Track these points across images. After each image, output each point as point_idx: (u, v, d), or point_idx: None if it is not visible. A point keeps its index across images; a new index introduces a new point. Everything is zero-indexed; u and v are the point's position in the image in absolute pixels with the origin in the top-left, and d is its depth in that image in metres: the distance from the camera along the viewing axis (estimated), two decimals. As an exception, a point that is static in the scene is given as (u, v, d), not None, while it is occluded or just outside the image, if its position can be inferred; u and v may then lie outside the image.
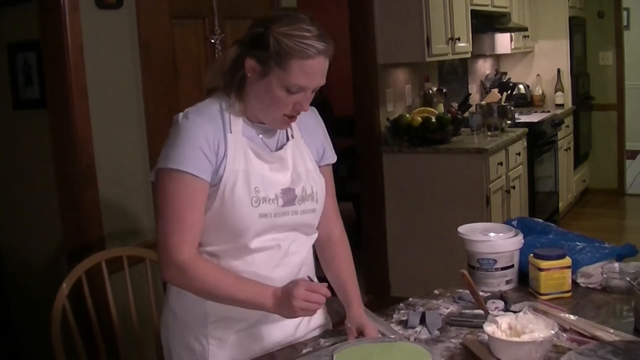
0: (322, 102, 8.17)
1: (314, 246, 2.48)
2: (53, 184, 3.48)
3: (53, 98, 3.42)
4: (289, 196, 2.27)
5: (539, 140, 6.98)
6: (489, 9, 7.08)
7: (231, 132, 2.21)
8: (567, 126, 8.25)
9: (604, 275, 2.62)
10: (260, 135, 2.29)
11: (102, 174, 3.44)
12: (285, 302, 2.11)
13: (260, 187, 2.21)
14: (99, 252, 3.17)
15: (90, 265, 2.98)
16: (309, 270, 2.42)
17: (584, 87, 9.03)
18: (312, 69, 2.12)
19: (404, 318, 2.46)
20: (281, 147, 2.33)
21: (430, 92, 6.60)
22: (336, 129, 7.76)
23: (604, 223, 8.13)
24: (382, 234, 6.04)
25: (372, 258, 6.12)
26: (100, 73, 3.45)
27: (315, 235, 2.44)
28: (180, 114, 2.22)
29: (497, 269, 2.67)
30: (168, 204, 2.16)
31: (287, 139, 2.35)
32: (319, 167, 2.44)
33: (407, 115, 5.96)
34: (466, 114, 6.60)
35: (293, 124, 2.35)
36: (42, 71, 3.47)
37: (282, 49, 2.11)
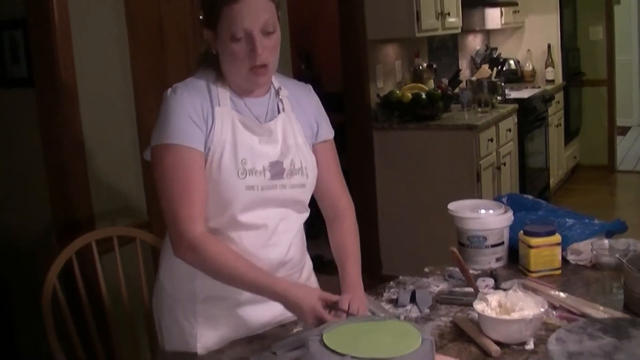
0: (311, 78, 8.14)
1: (316, 224, 2.47)
2: (41, 162, 3.47)
3: (40, 76, 3.40)
4: (276, 169, 2.26)
5: (530, 116, 6.98)
6: (479, -17, 7.06)
7: (219, 105, 2.23)
8: (558, 102, 8.25)
9: (594, 252, 2.62)
10: (250, 108, 2.29)
11: (91, 152, 3.43)
12: (298, 307, 2.10)
13: (248, 158, 2.21)
14: (89, 231, 3.15)
15: (81, 245, 2.96)
16: (297, 250, 2.41)
17: (574, 62, 9.03)
18: (243, 11, 2.13)
19: (394, 296, 2.46)
20: (271, 120, 2.31)
21: (420, 67, 6.58)
22: (325, 104, 7.78)
23: (594, 199, 8.15)
24: (372, 211, 6.03)
25: (362, 236, 5.97)
26: (88, 50, 3.43)
27: (307, 214, 2.43)
28: (169, 90, 2.24)
29: (487, 246, 2.67)
30: (169, 179, 2.16)
31: (278, 112, 2.34)
32: (317, 143, 2.43)
33: (397, 92, 5.94)
34: (456, 90, 6.59)
35: (284, 99, 2.36)
36: (29, 49, 3.45)
37: (213, 4, 2.17)
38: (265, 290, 2.13)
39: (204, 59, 2.34)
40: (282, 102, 2.36)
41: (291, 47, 5.12)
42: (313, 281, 2.56)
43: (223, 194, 2.19)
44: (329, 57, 8.41)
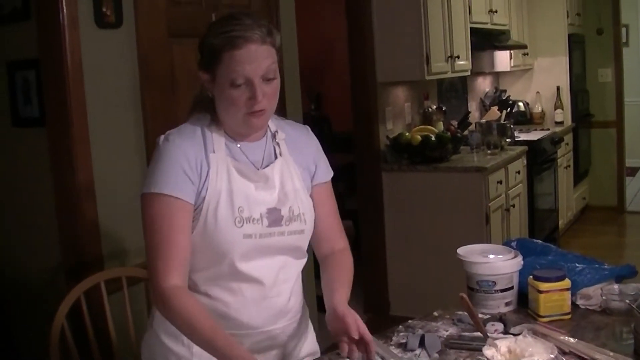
0: (320, 118, 8.18)
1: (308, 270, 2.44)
2: (52, 202, 3.47)
3: (52, 116, 3.42)
4: (274, 216, 2.23)
5: (539, 158, 6.98)
6: (488, 26, 7.09)
7: (214, 152, 2.21)
8: (567, 144, 8.26)
9: (604, 297, 2.61)
10: (245, 153, 2.28)
11: (101, 192, 3.43)
12: None
13: (245, 206, 2.18)
14: (97, 271, 3.16)
15: (89, 285, 2.97)
16: (298, 299, 2.39)
17: (583, 104, 9.05)
18: (243, 58, 2.12)
19: (403, 340, 2.45)
20: (267, 166, 2.30)
21: (430, 110, 6.60)
22: (334, 145, 7.81)
23: (603, 241, 8.13)
24: (381, 252, 6.03)
25: (371, 276, 6.11)
26: (100, 92, 3.45)
27: (305, 260, 2.41)
28: (162, 137, 2.23)
29: (496, 291, 2.66)
30: (153, 228, 2.15)
31: (275, 157, 2.33)
32: (314, 185, 2.41)
33: (407, 134, 5.96)
34: (466, 132, 6.60)
35: (281, 142, 2.35)
36: (41, 89, 3.47)
37: (213, 48, 2.15)
38: (221, 354, 2.05)
39: (199, 101, 2.33)
40: (279, 146, 2.35)
41: (301, 88, 5.15)
42: (310, 329, 2.53)
43: (220, 243, 2.16)
44: (338, 97, 8.46)
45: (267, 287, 2.26)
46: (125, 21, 3.56)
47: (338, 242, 2.49)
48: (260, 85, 2.15)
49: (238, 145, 2.27)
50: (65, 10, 3.28)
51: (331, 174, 2.49)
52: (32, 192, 3.63)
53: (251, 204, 2.20)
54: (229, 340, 2.08)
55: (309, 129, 2.50)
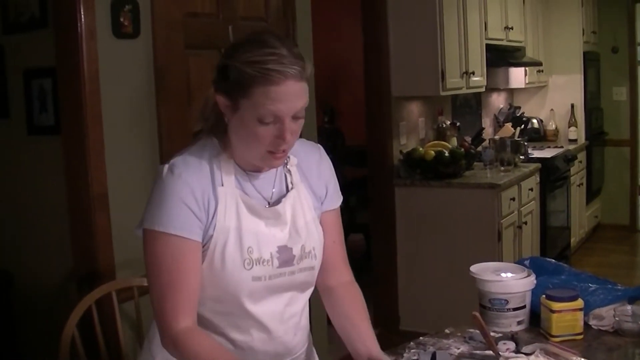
0: (334, 132, 8.19)
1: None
2: (65, 210, 3.48)
3: (67, 125, 3.42)
4: (285, 256, 2.12)
5: (552, 175, 6.98)
6: (504, 43, 7.10)
7: (222, 185, 2.06)
8: (580, 161, 8.25)
9: (616, 318, 2.60)
10: (255, 186, 2.14)
11: (115, 202, 3.43)
12: None
13: (254, 246, 2.06)
14: (109, 280, 3.16)
15: (101, 294, 2.97)
16: (304, 334, 2.32)
17: (597, 122, 9.04)
18: (279, 95, 1.92)
19: (415, 357, 2.44)
20: (279, 200, 2.17)
21: (444, 125, 6.60)
22: (347, 158, 7.82)
23: (615, 259, 8.10)
24: (392, 266, 6.02)
25: (381, 290, 6.10)
26: (115, 101, 3.45)
27: (311, 290, 2.29)
28: (166, 167, 2.07)
29: (508, 310, 2.65)
30: (158, 268, 2.02)
31: (287, 188, 2.20)
32: (322, 212, 2.30)
33: (420, 149, 5.96)
34: (479, 148, 6.60)
35: (292, 168, 2.22)
36: (57, 98, 3.48)
37: (243, 78, 1.94)
38: None
39: (205, 121, 2.16)
40: (290, 174, 2.22)
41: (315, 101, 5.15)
42: (315, 357, 2.46)
43: (228, 285, 2.05)
44: (351, 111, 8.49)
45: (272, 331, 2.17)
46: (143, 32, 3.58)
47: (343, 274, 2.37)
48: (289, 125, 1.98)
49: (248, 176, 2.13)
50: (83, 19, 3.29)
51: (340, 199, 2.37)
52: (46, 200, 3.64)
53: (261, 243, 2.08)
54: None
55: (322, 148, 2.36)
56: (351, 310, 2.30)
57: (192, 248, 2.02)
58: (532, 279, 2.71)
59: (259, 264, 2.07)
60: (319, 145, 2.36)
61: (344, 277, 2.37)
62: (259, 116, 1.95)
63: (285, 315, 2.19)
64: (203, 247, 2.05)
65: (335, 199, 2.34)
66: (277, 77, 1.92)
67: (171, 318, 1.99)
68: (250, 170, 2.13)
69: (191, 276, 2.01)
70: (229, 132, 2.08)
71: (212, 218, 2.04)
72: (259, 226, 2.09)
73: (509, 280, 2.69)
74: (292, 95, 1.95)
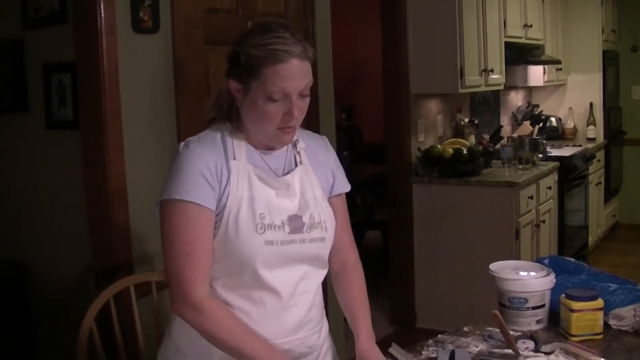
0: (351, 128, 8.19)
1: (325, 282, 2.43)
2: (83, 204, 3.48)
3: (86, 120, 3.42)
4: (296, 223, 2.23)
5: (570, 174, 6.95)
6: (523, 40, 7.08)
7: (235, 159, 2.20)
8: (599, 160, 8.22)
9: (636, 318, 2.59)
10: (266, 161, 2.28)
11: (133, 196, 3.43)
12: None
13: (266, 213, 2.18)
14: (127, 274, 3.17)
15: (119, 289, 2.97)
16: (318, 310, 2.38)
17: (615, 121, 9.00)
18: (287, 72, 2.11)
19: (433, 355, 2.44)
20: (288, 173, 2.30)
21: (462, 123, 6.58)
22: (365, 155, 7.83)
23: (633, 259, 8.05)
24: (409, 264, 6.01)
25: (398, 288, 6.09)
26: (134, 96, 3.45)
27: (326, 271, 2.40)
28: (182, 143, 2.23)
29: (528, 308, 2.64)
30: (176, 237, 2.14)
31: (296, 165, 2.33)
32: (331, 197, 2.41)
33: (439, 146, 5.94)
34: (497, 146, 6.58)
35: (301, 151, 2.35)
36: (76, 93, 3.48)
37: (252, 60, 2.12)
38: (260, 357, 2.10)
39: (217, 110, 2.32)
40: (299, 155, 2.35)
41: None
42: (329, 344, 2.51)
43: (242, 250, 2.15)
44: (369, 108, 8.49)
45: (284, 298, 2.24)
46: (162, 27, 3.57)
47: (349, 255, 2.50)
48: (296, 101, 2.15)
49: (259, 153, 2.27)
50: (102, 14, 3.29)
51: (348, 187, 2.50)
52: (64, 195, 3.64)
53: (272, 210, 2.19)
54: (267, 343, 2.15)
55: (327, 139, 2.51)
56: (350, 295, 2.47)
57: (207, 216, 2.14)
58: (552, 278, 2.70)
59: (271, 228, 2.17)
60: (324, 136, 2.52)
61: (350, 258, 2.51)
62: (268, 94, 2.12)
63: (299, 289, 2.28)
64: (217, 215, 2.16)
65: (343, 184, 2.48)
66: (283, 56, 2.10)
67: (192, 285, 2.11)
68: (261, 149, 2.28)
69: (207, 245, 2.15)
70: (241, 115, 2.24)
71: (225, 188, 2.17)
72: (270, 196, 2.21)
73: (528, 279, 2.68)
74: (298, 73, 2.13)
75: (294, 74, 2.12)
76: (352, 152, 7.48)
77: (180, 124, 3.66)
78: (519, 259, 5.46)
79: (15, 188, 3.89)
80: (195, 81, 3.72)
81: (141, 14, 3.46)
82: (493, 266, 2.79)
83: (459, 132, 6.55)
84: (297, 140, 2.36)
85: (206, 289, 2.14)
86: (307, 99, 2.20)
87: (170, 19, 3.62)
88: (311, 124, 4.54)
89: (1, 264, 3.91)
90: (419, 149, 6.02)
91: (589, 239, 7.85)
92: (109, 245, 3.40)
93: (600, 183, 8.31)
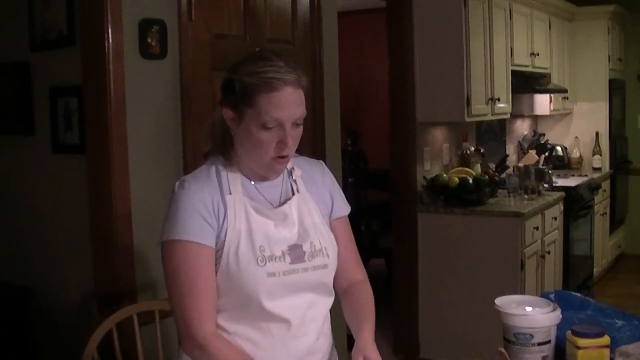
0: (357, 154, 8.18)
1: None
2: (87, 230, 3.47)
3: (92, 144, 3.42)
4: (296, 253, 2.22)
5: (576, 204, 6.92)
6: (529, 69, 7.08)
7: (230, 193, 2.21)
8: (604, 190, 8.19)
9: (644, 356, 2.56)
10: (262, 193, 2.28)
11: (138, 223, 3.42)
12: None
13: (265, 245, 2.18)
14: (130, 302, 3.16)
15: (122, 317, 2.96)
16: (326, 339, 2.37)
17: (621, 150, 8.97)
18: (281, 100, 2.11)
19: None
20: (284, 202, 2.30)
21: (468, 151, 6.56)
22: (370, 181, 7.81)
23: (638, 290, 8.00)
24: (413, 292, 5.98)
25: (402, 316, 6.07)
26: (141, 121, 3.45)
27: (332, 298, 2.39)
28: (177, 183, 2.24)
29: (533, 344, 2.61)
30: (178, 277, 2.14)
31: (293, 194, 2.33)
32: (331, 220, 2.41)
33: (444, 175, 5.93)
34: (503, 175, 6.56)
35: (298, 179, 2.36)
36: (83, 117, 3.48)
37: (247, 88, 2.13)
38: None
39: (213, 138, 2.32)
40: (295, 183, 2.36)
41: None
42: None
43: (245, 284, 2.15)
44: (375, 134, 8.49)
45: (294, 326, 2.24)
46: (170, 52, 3.58)
47: (356, 274, 2.49)
48: (290, 130, 2.16)
49: (254, 185, 2.28)
50: (110, 39, 3.30)
51: (348, 209, 2.50)
52: (69, 219, 3.64)
53: (272, 242, 2.19)
54: None
55: (323, 163, 2.51)
56: (358, 305, 2.41)
57: (207, 253, 2.15)
58: (558, 314, 2.67)
59: (272, 260, 2.18)
60: (320, 160, 2.52)
61: (357, 277, 2.48)
62: (262, 122, 2.13)
63: (306, 318, 2.27)
64: (217, 252, 2.17)
65: (343, 207, 2.48)
66: (277, 84, 2.12)
67: (197, 323, 2.12)
68: (256, 180, 2.29)
69: (210, 282, 2.15)
70: (235, 145, 2.25)
71: (223, 223, 2.18)
72: (268, 227, 2.21)
73: (534, 315, 2.65)
74: (292, 101, 2.15)
75: (288, 102, 2.13)
76: (357, 178, 7.48)
77: (186, 150, 3.66)
78: (524, 290, 5.45)
79: (20, 211, 3.89)
80: (202, 106, 3.72)
81: (149, 40, 3.46)
82: (498, 301, 2.76)
83: (464, 160, 6.53)
84: (293, 168, 2.37)
85: (211, 325, 2.15)
86: (301, 128, 2.21)
87: (178, 44, 3.62)
88: (317, 148, 4.53)
89: (4, 286, 3.90)
90: (424, 177, 6.00)
91: (594, 270, 7.81)
92: (112, 271, 3.38)
93: (605, 213, 8.28)
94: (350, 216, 2.53)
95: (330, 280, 2.35)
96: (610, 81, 8.49)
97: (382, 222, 6.85)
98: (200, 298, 2.13)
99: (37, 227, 3.80)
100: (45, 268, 3.78)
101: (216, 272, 2.16)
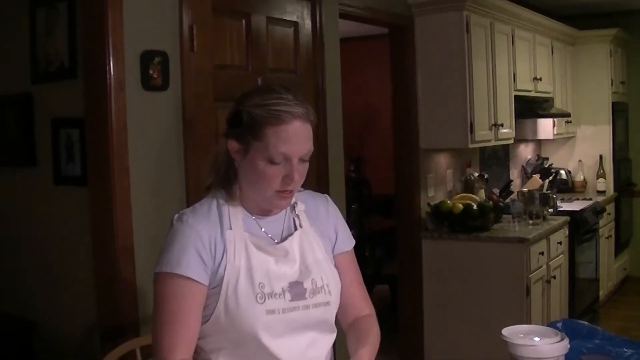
0: (360, 180, 8.17)
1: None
2: (90, 262, 3.45)
3: (94, 176, 3.41)
4: (297, 290, 2.18)
5: (581, 228, 6.89)
6: (532, 94, 7.08)
7: (231, 228, 2.17)
8: (609, 213, 8.15)
9: (653, 385, 2.54)
10: (263, 227, 2.24)
11: (140, 255, 3.40)
12: None
13: (265, 282, 2.13)
14: (133, 335, 3.14)
15: (125, 351, 2.93)
16: None
17: (625, 173, 8.95)
18: (289, 134, 2.08)
19: None
20: (286, 238, 2.25)
21: (472, 177, 6.55)
22: (374, 207, 7.79)
23: (644, 313, 7.98)
24: (418, 319, 5.96)
25: (407, 343, 6.04)
26: (143, 153, 3.44)
27: (334, 335, 2.33)
28: (176, 216, 2.20)
29: (541, 375, 2.58)
30: (163, 306, 2.10)
31: (295, 229, 2.29)
32: (336, 255, 2.37)
33: (448, 202, 5.91)
34: (507, 200, 6.54)
35: (301, 214, 2.31)
36: (85, 148, 3.47)
37: (254, 120, 2.09)
38: None
39: (217, 170, 2.27)
40: (298, 218, 2.31)
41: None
42: None
43: (244, 321, 2.10)
44: (378, 160, 8.47)
45: None
46: (172, 84, 3.57)
47: (362, 309, 2.43)
48: (297, 166, 2.12)
49: (256, 220, 2.24)
50: (112, 71, 3.29)
51: (353, 242, 2.45)
52: (71, 251, 3.62)
53: (272, 278, 2.15)
54: None
55: (328, 197, 2.47)
56: (357, 336, 2.33)
57: (195, 289, 2.10)
58: (566, 344, 2.63)
59: (272, 297, 2.13)
60: (325, 194, 2.47)
61: (363, 312, 2.43)
62: (269, 156, 2.09)
63: (307, 356, 2.21)
64: (215, 288, 2.12)
65: (347, 241, 2.43)
66: (286, 117, 2.08)
67: (167, 351, 2.06)
68: (258, 214, 2.24)
69: (191, 316, 2.10)
70: (238, 177, 2.21)
71: (222, 259, 2.13)
72: (268, 263, 2.17)
73: (541, 345, 2.62)
74: (300, 135, 2.11)
75: (297, 136, 2.10)
76: (360, 205, 7.46)
77: (189, 181, 3.64)
78: (530, 316, 5.42)
79: (22, 243, 3.88)
80: (204, 137, 3.71)
81: (151, 72, 3.45)
82: (505, 331, 2.73)
83: (468, 186, 6.52)
84: (296, 202, 2.33)
85: (183, 354, 2.07)
86: (307, 164, 2.17)
87: (180, 75, 3.61)
88: (320, 176, 4.52)
89: (7, 318, 3.88)
90: (428, 204, 5.99)
91: (600, 293, 7.77)
92: (115, 304, 3.36)
93: (610, 236, 8.25)
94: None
95: (332, 317, 2.30)
96: (614, 104, 8.48)
97: (386, 249, 6.84)
98: (179, 327, 2.07)
99: (39, 259, 3.79)
100: (47, 301, 3.76)
101: (214, 309, 2.12)
